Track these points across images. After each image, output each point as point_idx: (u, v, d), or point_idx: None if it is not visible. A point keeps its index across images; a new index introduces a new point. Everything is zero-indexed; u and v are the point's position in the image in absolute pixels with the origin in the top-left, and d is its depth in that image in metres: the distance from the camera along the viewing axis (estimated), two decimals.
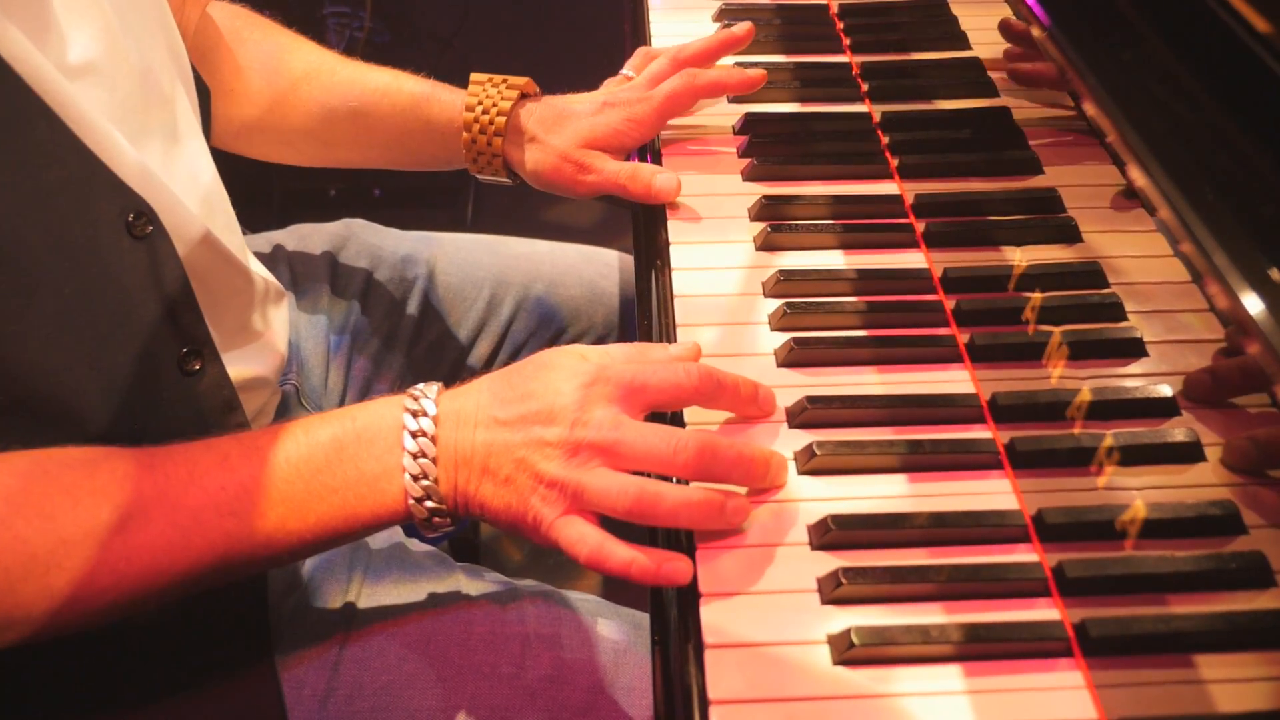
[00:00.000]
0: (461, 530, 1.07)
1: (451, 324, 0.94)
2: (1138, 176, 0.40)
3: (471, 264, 0.96)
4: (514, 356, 0.96)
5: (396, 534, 0.77)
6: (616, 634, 0.68)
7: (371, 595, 0.69)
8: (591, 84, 0.86)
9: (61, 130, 0.57)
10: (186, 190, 0.69)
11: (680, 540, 0.56)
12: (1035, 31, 0.52)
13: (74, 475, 0.54)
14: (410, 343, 0.92)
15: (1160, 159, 0.38)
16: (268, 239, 0.94)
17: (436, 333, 0.94)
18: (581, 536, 0.54)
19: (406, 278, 0.94)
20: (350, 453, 0.56)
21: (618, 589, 0.78)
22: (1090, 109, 0.45)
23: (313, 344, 0.88)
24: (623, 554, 0.53)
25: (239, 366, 0.72)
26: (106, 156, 0.59)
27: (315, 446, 0.56)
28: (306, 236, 0.95)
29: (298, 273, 0.91)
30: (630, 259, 1.04)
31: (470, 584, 0.71)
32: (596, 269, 0.99)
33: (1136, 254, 0.71)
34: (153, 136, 0.67)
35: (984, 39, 0.92)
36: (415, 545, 0.76)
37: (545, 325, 0.96)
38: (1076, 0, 0.55)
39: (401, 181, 2.04)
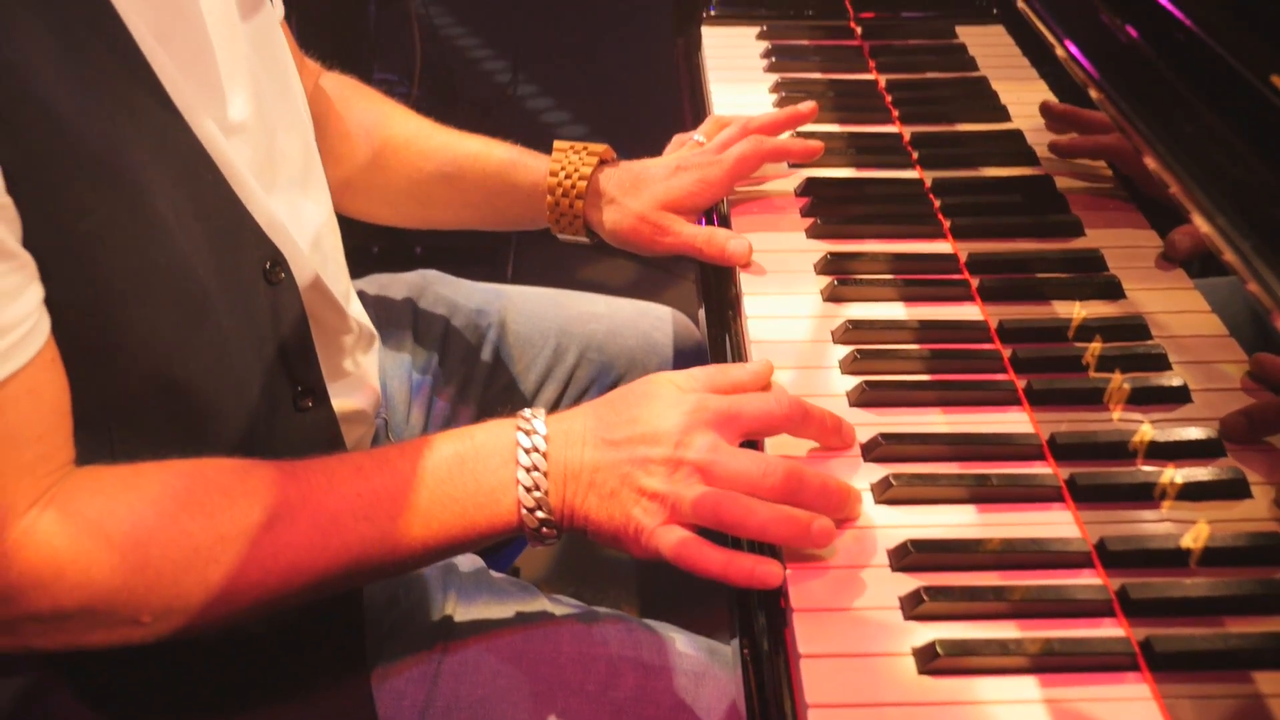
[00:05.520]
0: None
1: (521, 370, 1.00)
2: (1202, 224, 0.45)
3: (538, 316, 1.02)
4: (577, 401, 1.02)
5: (479, 562, 0.81)
6: (694, 657, 0.72)
7: (465, 614, 0.74)
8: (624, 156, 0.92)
9: (222, 183, 0.63)
10: (306, 240, 0.75)
11: (770, 553, 0.61)
12: (1093, 93, 0.58)
13: (229, 478, 0.59)
14: (485, 386, 0.98)
15: (1220, 206, 0.44)
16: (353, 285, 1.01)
17: (508, 378, 0.99)
18: (681, 540, 0.59)
19: (480, 326, 1.00)
20: (470, 466, 0.61)
21: (684, 615, 0.82)
22: (1151, 163, 0.51)
23: (398, 383, 0.94)
24: (719, 556, 0.58)
25: (341, 400, 0.77)
26: (252, 208, 0.66)
27: (439, 460, 0.62)
28: (386, 285, 1.02)
29: (382, 318, 0.97)
30: (680, 315, 1.10)
31: (554, 607, 0.75)
32: (650, 322, 1.05)
33: (1175, 310, 0.77)
34: (282, 190, 0.74)
35: (1023, 113, 0.99)
36: (496, 575, 0.81)
37: (605, 373, 1.02)
38: (1127, 63, 0.61)
39: (443, 241, 2.12)
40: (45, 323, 0.55)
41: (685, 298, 2.02)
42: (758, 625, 0.59)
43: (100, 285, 0.58)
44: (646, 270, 2.14)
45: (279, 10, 0.81)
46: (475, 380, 0.98)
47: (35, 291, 0.55)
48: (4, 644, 0.58)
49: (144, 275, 0.59)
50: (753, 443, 0.66)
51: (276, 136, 0.74)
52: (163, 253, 0.59)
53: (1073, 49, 0.61)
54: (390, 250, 2.12)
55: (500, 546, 0.99)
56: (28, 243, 0.54)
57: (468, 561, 0.80)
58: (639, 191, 0.86)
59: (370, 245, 2.15)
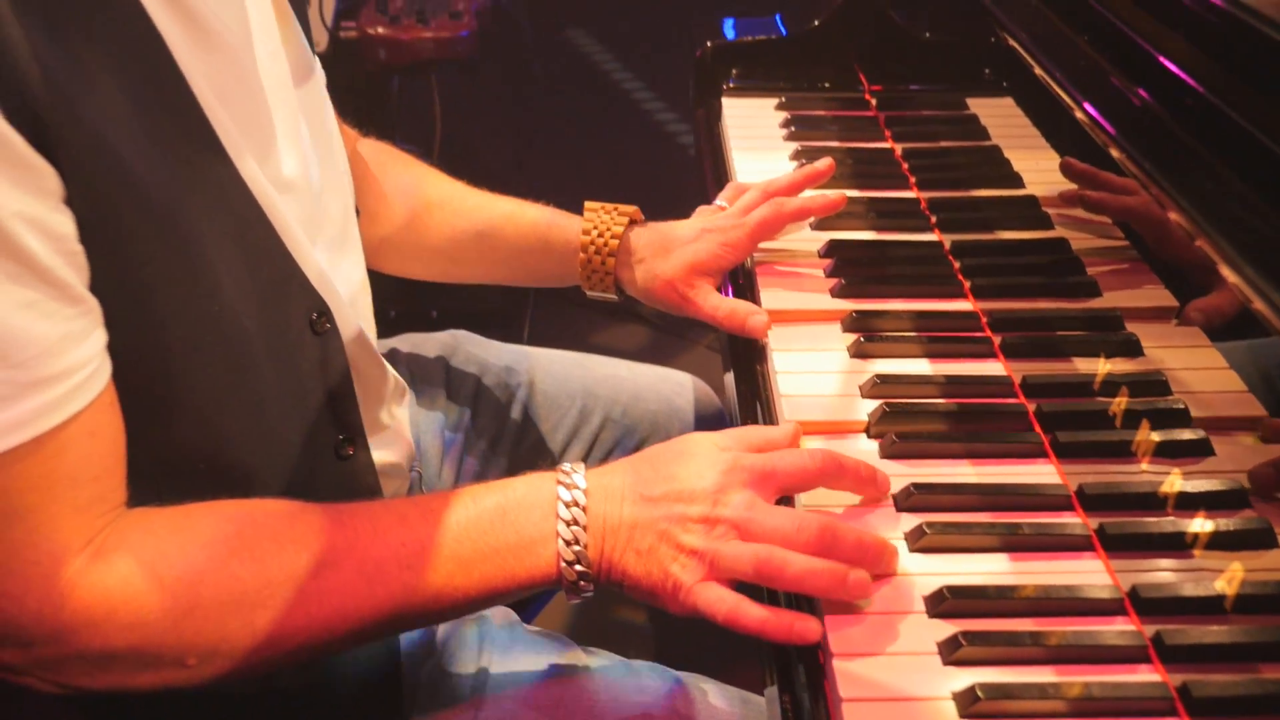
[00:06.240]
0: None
1: (549, 430, 1.02)
2: (1229, 274, 0.48)
3: (564, 377, 1.05)
4: (602, 462, 1.03)
5: (513, 615, 0.82)
6: (728, 708, 0.73)
7: (500, 666, 0.74)
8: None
9: (273, 236, 0.66)
10: (344, 294, 0.78)
11: (808, 607, 0.61)
12: (1114, 152, 0.61)
13: (277, 524, 0.61)
14: (514, 443, 1.00)
15: (1247, 257, 0.46)
16: (384, 344, 1.03)
17: (536, 436, 1.01)
18: (720, 598, 0.60)
19: (510, 385, 1.02)
20: (511, 518, 0.63)
21: (711, 667, 0.82)
22: (1176, 217, 0.53)
23: (430, 438, 0.95)
24: (758, 613, 0.59)
25: (379, 453, 0.79)
26: (301, 261, 0.68)
27: (482, 511, 0.63)
28: (419, 344, 1.04)
29: (416, 375, 1.00)
30: (700, 381, 1.12)
31: (588, 659, 0.76)
32: (671, 387, 1.08)
33: (1194, 366, 0.79)
34: (323, 249, 0.76)
35: (1036, 179, 1.03)
36: (529, 628, 0.81)
37: (629, 435, 1.04)
38: (1143, 123, 0.64)
39: (460, 304, 2.16)
40: (107, 367, 0.57)
41: (699, 362, 2.05)
42: (798, 680, 0.60)
43: (153, 332, 0.60)
44: (660, 335, 2.18)
45: (322, 78, 0.85)
46: (505, 438, 1.00)
47: (100, 336, 0.57)
48: (48, 683, 0.58)
49: (194, 323, 0.61)
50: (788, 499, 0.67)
51: (321, 197, 0.77)
52: (212, 301, 0.61)
53: (1091, 110, 0.64)
54: (407, 314, 2.15)
55: (528, 601, 1.00)
56: (92, 289, 0.57)
57: (500, 614, 0.81)
58: (668, 253, 0.89)
59: (388, 309, 2.19)
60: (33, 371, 0.52)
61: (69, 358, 0.54)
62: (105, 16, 0.56)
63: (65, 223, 0.54)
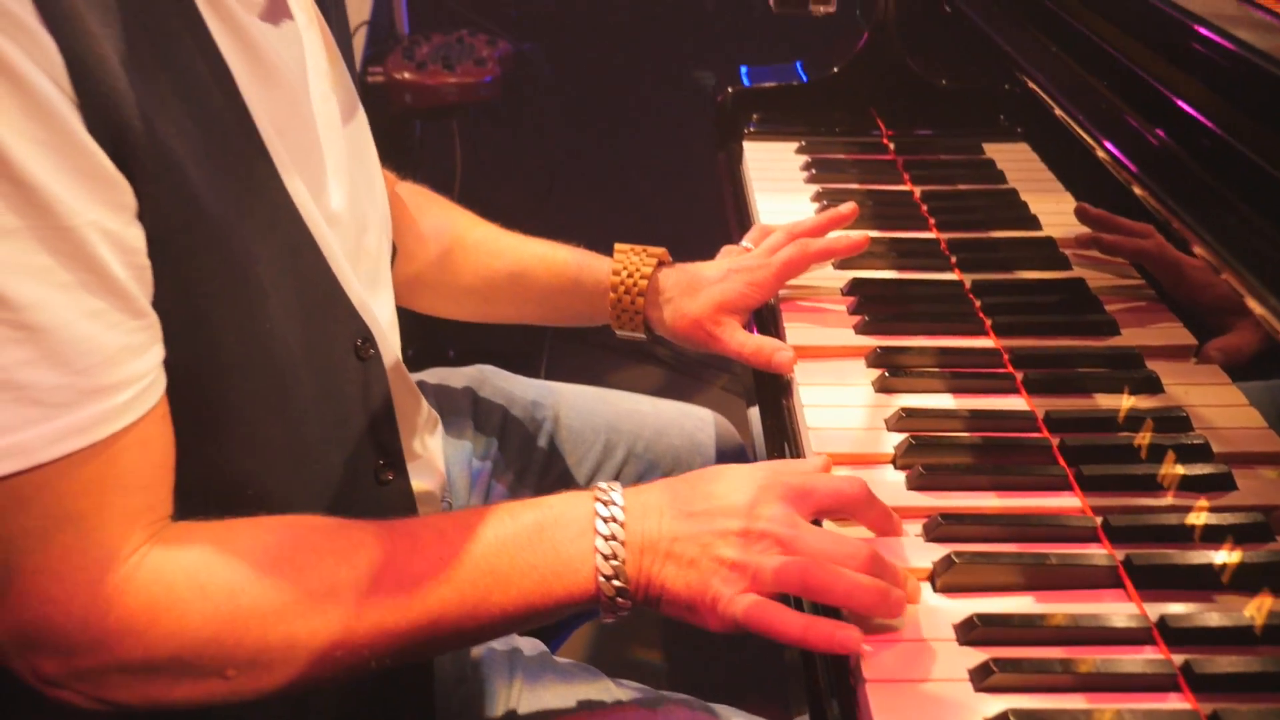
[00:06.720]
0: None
1: (573, 463, 1.03)
2: (1255, 306, 0.49)
3: (589, 412, 1.06)
4: None
5: (542, 645, 0.83)
6: None
7: (532, 694, 0.75)
8: None
9: (321, 262, 0.68)
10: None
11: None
12: (1137, 189, 0.63)
13: (319, 537, 0.62)
14: (540, 475, 1.01)
15: (1273, 288, 0.48)
16: (411, 377, 1.05)
17: (561, 469, 1.03)
18: (761, 605, 0.61)
19: (536, 419, 1.04)
20: (549, 535, 0.64)
21: (734, 699, 0.83)
22: (1200, 251, 0.55)
23: (459, 469, 0.97)
24: (799, 621, 0.60)
25: (414, 481, 0.80)
26: (347, 289, 0.70)
27: (520, 528, 0.64)
28: (446, 377, 1.06)
29: (443, 407, 1.01)
30: (721, 417, 1.14)
31: (619, 690, 0.77)
32: (694, 423, 1.09)
33: (1214, 404, 0.80)
34: (362, 280, 0.79)
35: (1053, 221, 1.05)
36: (559, 659, 0.82)
37: (652, 469, 1.05)
38: (1162, 161, 0.66)
39: (476, 344, 2.19)
40: (162, 381, 0.59)
41: (715, 402, 2.05)
42: (831, 710, 0.60)
43: (205, 349, 0.61)
44: (676, 376, 2.20)
45: (366, 120, 0.87)
46: (532, 469, 1.02)
47: (158, 351, 0.58)
48: (85, 696, 0.58)
49: (243, 342, 0.63)
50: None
51: (363, 233, 0.79)
52: (262, 321, 0.63)
53: (1112, 149, 0.66)
54: (424, 352, 2.18)
55: (554, 630, 1.00)
56: (154, 305, 0.58)
57: (530, 645, 0.81)
58: (695, 293, 0.91)
59: (405, 348, 2.21)
60: (94, 379, 0.54)
61: (128, 368, 0.56)
62: (181, 44, 0.59)
63: (137, 236, 0.56)
